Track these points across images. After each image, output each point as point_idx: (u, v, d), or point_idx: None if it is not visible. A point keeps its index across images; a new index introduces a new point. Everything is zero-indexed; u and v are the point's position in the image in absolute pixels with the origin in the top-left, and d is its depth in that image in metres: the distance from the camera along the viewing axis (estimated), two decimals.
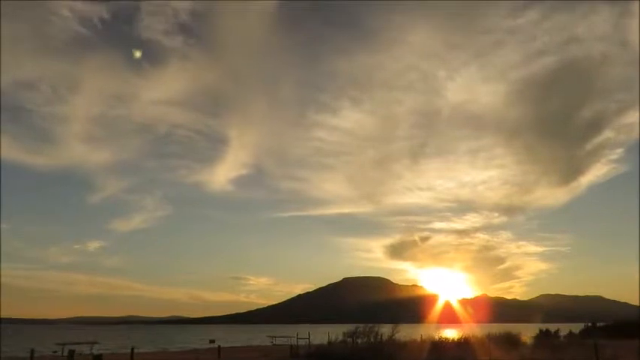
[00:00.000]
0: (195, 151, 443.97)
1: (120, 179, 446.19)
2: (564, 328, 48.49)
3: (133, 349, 33.67)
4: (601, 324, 51.15)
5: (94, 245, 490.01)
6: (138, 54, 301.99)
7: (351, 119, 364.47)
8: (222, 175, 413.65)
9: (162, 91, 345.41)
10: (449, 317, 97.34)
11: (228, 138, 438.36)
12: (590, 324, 50.87)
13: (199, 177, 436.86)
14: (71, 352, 26.03)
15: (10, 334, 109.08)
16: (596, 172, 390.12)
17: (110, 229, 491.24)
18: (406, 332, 33.98)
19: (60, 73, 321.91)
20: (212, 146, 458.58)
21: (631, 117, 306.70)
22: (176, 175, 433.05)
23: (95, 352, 35.39)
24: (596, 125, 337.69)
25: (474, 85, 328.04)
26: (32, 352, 29.94)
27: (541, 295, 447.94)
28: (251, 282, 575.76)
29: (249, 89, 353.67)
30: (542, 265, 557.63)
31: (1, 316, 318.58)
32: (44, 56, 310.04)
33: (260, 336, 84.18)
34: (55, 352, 39.50)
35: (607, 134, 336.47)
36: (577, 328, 51.65)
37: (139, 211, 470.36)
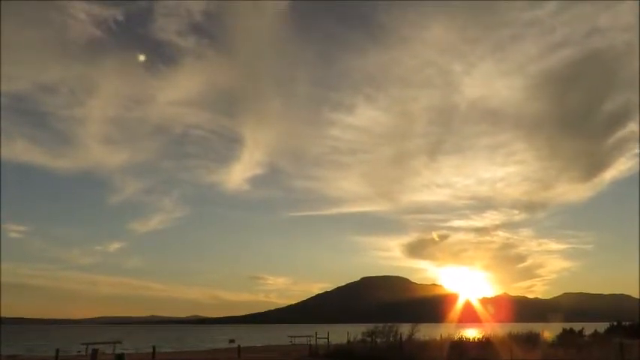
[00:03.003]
0: (211, 151, 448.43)
1: (138, 180, 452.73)
2: (589, 328, 47.43)
3: (154, 348, 34.17)
4: (627, 323, 49.84)
5: (114, 246, 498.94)
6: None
7: (366, 117, 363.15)
8: (238, 174, 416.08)
9: (177, 92, 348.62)
10: (469, 316, 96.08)
11: (243, 137, 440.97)
12: (615, 323, 49.66)
13: (215, 177, 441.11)
14: (94, 352, 26.60)
15: (34, 335, 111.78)
16: (619, 167, 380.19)
17: (129, 229, 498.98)
18: (426, 332, 33.69)
19: (78, 76, 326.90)
20: (227, 146, 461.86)
21: None
22: (193, 175, 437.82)
23: (117, 351, 36.02)
24: (619, 118, 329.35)
25: (492, 80, 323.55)
26: (57, 351, 30.58)
27: (564, 294, 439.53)
28: (269, 282, 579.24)
29: (264, 88, 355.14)
30: (565, 264, 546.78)
31: (26, 317, 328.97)
32: (62, 59, 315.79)
33: (279, 335, 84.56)
34: (80, 351, 40.33)
35: (631, 127, 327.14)
36: (602, 327, 50.44)
37: (157, 211, 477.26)
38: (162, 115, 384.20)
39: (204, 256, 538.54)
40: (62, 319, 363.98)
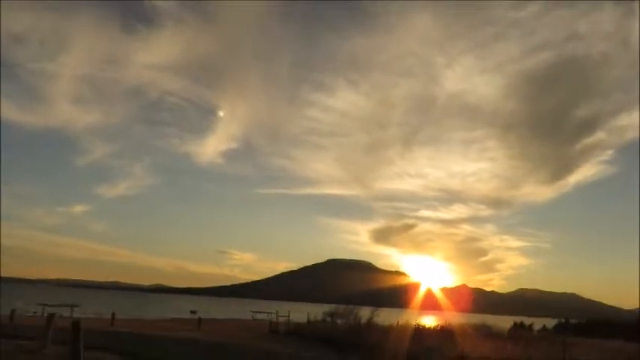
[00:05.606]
0: (186, 120, 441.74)
1: (107, 143, 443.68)
2: (538, 323, 49.70)
3: (113, 314, 33.93)
4: (574, 321, 52.43)
5: (79, 209, 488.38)
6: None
7: (346, 100, 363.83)
8: (212, 147, 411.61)
9: (155, 55, 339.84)
10: (429, 304, 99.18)
11: (219, 109, 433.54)
12: (563, 320, 52.18)
13: (188, 147, 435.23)
14: (51, 316, 26.15)
15: None
16: (585, 172, 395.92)
17: (96, 193, 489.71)
18: (385, 316, 34.47)
19: (49, 27, 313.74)
20: (203, 116, 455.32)
21: (625, 119, 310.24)
22: (165, 143, 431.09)
23: (75, 315, 35.57)
24: (589, 125, 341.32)
25: (472, 76, 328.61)
26: (12, 312, 29.98)
27: (519, 289, 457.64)
28: (236, 257, 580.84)
29: (244, 62, 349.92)
30: (523, 260, 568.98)
31: None
32: (33, 7, 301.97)
33: (241, 310, 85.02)
34: (35, 312, 39.37)
35: (599, 135, 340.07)
36: (551, 323, 52.90)
37: (126, 177, 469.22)
38: (137, 78, 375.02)
39: (172, 226, 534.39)
40: (20, 278, 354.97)
